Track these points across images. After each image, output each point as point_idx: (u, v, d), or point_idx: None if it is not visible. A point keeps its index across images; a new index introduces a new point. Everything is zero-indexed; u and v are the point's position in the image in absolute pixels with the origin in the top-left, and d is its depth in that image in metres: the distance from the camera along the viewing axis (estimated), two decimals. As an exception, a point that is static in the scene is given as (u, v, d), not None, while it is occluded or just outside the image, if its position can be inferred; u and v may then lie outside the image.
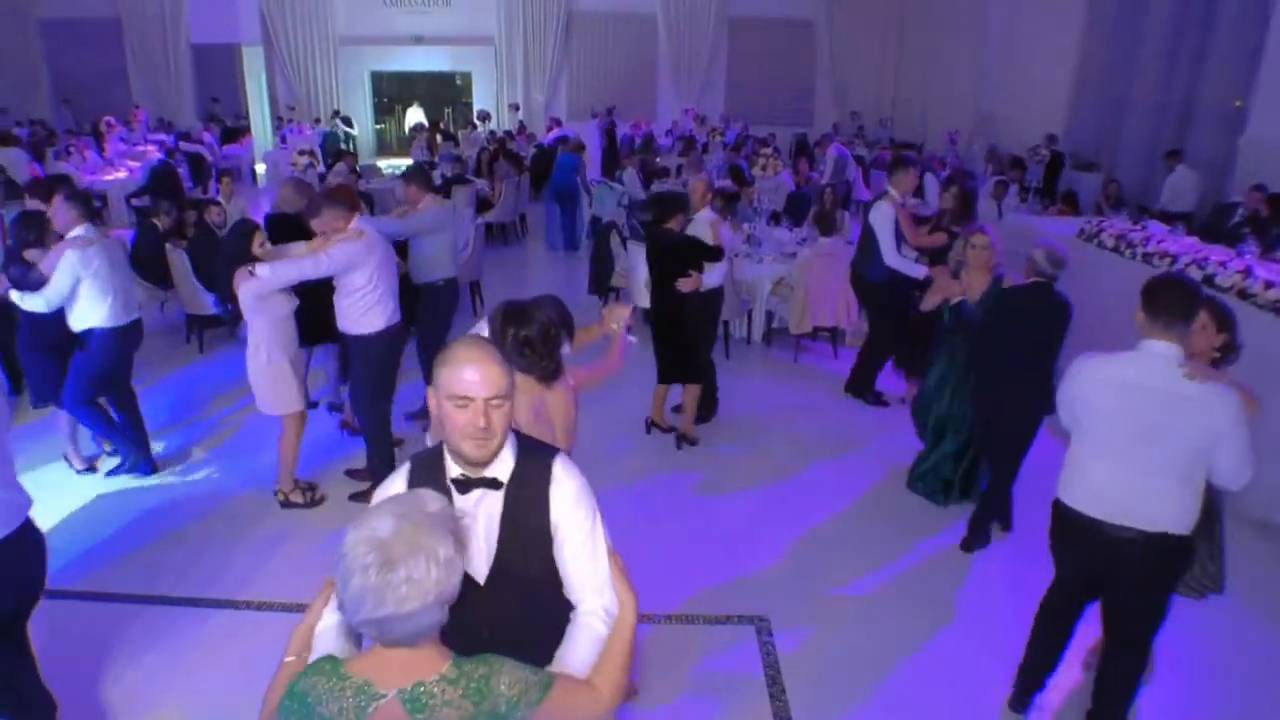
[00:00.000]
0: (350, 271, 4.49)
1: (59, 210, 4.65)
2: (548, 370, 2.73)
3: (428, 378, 2.19)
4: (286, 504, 4.89)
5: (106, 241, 4.82)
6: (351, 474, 5.23)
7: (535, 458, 1.97)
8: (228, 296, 4.49)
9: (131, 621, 3.96)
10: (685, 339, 5.48)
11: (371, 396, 4.89)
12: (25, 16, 18.57)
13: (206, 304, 7.20)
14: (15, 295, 4.59)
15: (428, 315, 5.75)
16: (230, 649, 3.77)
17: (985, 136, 14.80)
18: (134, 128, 16.17)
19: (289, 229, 5.90)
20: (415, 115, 19.49)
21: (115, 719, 3.41)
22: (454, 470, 1.91)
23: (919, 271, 5.60)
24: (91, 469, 5.25)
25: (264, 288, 4.33)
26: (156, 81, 18.69)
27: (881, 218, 5.92)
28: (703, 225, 5.66)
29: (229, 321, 4.54)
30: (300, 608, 4.05)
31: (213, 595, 4.16)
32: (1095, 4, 12.56)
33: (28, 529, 2.72)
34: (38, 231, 4.69)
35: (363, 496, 4.99)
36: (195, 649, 3.80)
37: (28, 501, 2.73)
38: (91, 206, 4.91)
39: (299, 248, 4.75)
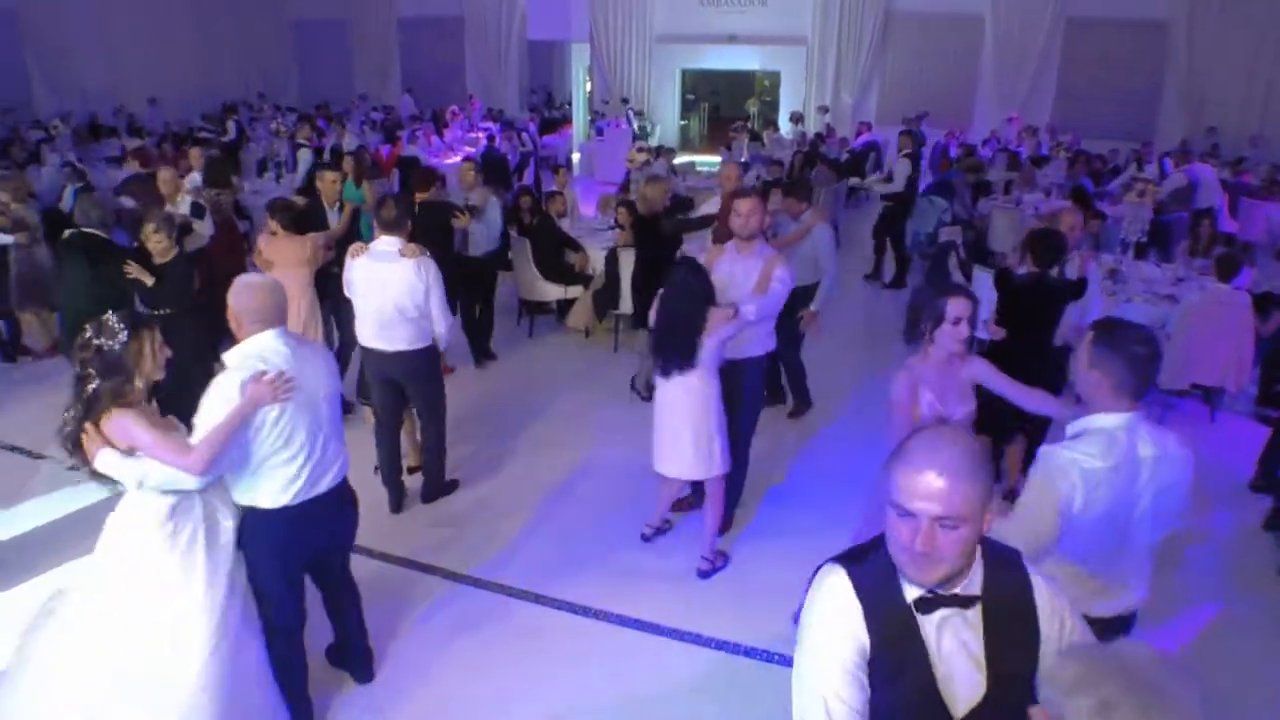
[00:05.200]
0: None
1: None
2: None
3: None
4: (712, 571, 4.38)
5: None
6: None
7: (1006, 561, 1.65)
8: (692, 346, 3.90)
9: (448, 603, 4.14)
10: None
11: (753, 423, 4.68)
12: (387, 16, 20.90)
13: (543, 290, 7.52)
14: None
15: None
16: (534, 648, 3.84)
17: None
18: (469, 116, 17.62)
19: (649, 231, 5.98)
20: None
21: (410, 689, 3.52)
22: (912, 589, 1.57)
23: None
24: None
25: (741, 329, 4.04)
26: (488, 74, 20.27)
27: None
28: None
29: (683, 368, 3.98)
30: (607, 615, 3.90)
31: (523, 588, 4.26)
32: None
33: (346, 484, 3.15)
34: None
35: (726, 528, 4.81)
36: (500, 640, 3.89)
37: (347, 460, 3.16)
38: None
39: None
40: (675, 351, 3.93)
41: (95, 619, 2.73)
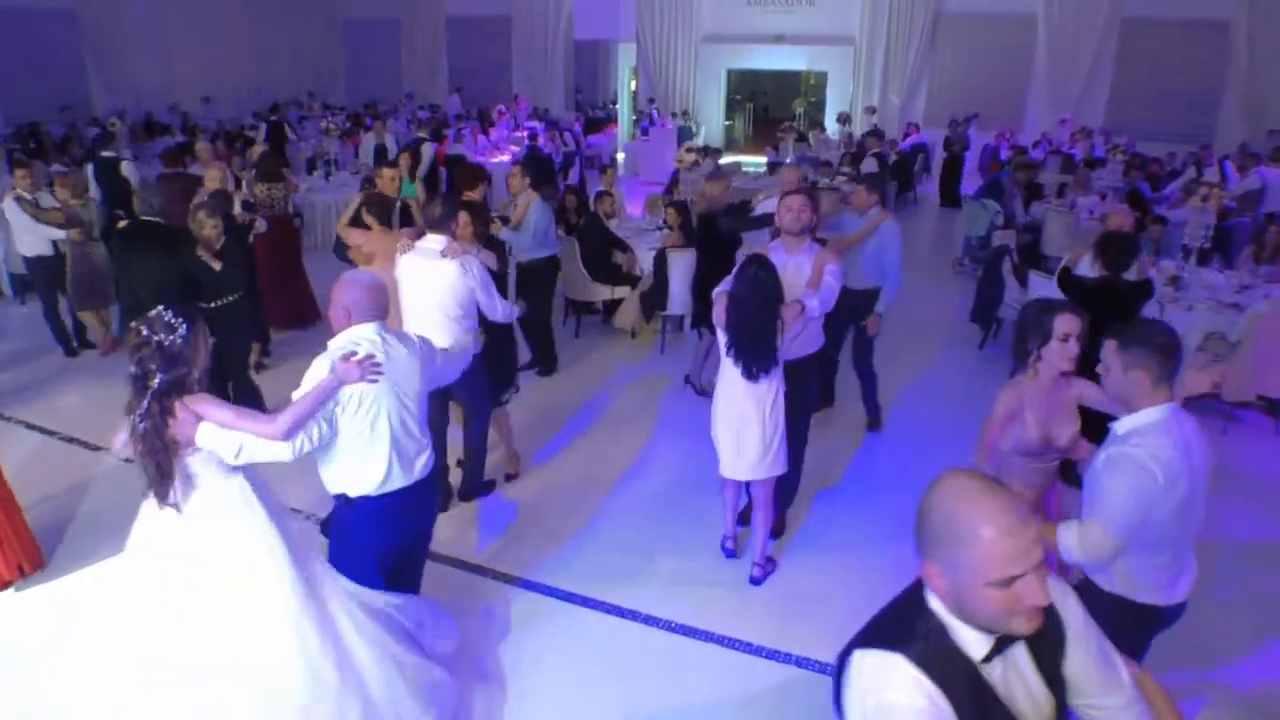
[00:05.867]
0: None
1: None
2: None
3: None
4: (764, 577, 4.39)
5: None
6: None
7: None
8: (773, 348, 3.86)
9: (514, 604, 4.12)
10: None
11: (807, 424, 4.68)
12: (435, 15, 21.09)
13: (590, 291, 7.51)
14: None
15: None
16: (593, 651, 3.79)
17: None
18: (515, 115, 17.70)
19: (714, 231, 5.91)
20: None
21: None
22: (980, 645, 1.51)
23: None
24: None
25: (805, 325, 4.07)
26: (533, 73, 20.34)
27: None
28: None
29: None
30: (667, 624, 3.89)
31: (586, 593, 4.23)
32: None
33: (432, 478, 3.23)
34: None
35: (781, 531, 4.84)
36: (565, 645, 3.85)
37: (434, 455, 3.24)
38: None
39: None
40: (759, 355, 3.81)
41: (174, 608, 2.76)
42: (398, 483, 3.04)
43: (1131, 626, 2.57)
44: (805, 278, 4.18)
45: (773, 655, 3.81)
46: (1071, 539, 2.45)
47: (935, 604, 1.54)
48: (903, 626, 1.55)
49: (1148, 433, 2.40)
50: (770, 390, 3.91)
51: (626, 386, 6.76)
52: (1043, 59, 17.08)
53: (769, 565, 4.39)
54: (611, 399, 6.53)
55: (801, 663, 3.76)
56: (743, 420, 3.95)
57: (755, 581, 4.31)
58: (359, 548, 3.07)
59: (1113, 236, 4.80)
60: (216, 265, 5.21)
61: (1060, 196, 10.88)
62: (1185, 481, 2.38)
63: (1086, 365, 2.94)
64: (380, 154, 11.84)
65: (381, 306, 3.04)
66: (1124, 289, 4.68)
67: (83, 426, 5.93)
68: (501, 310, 4.57)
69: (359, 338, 2.96)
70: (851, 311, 5.51)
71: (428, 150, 10.88)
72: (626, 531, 4.78)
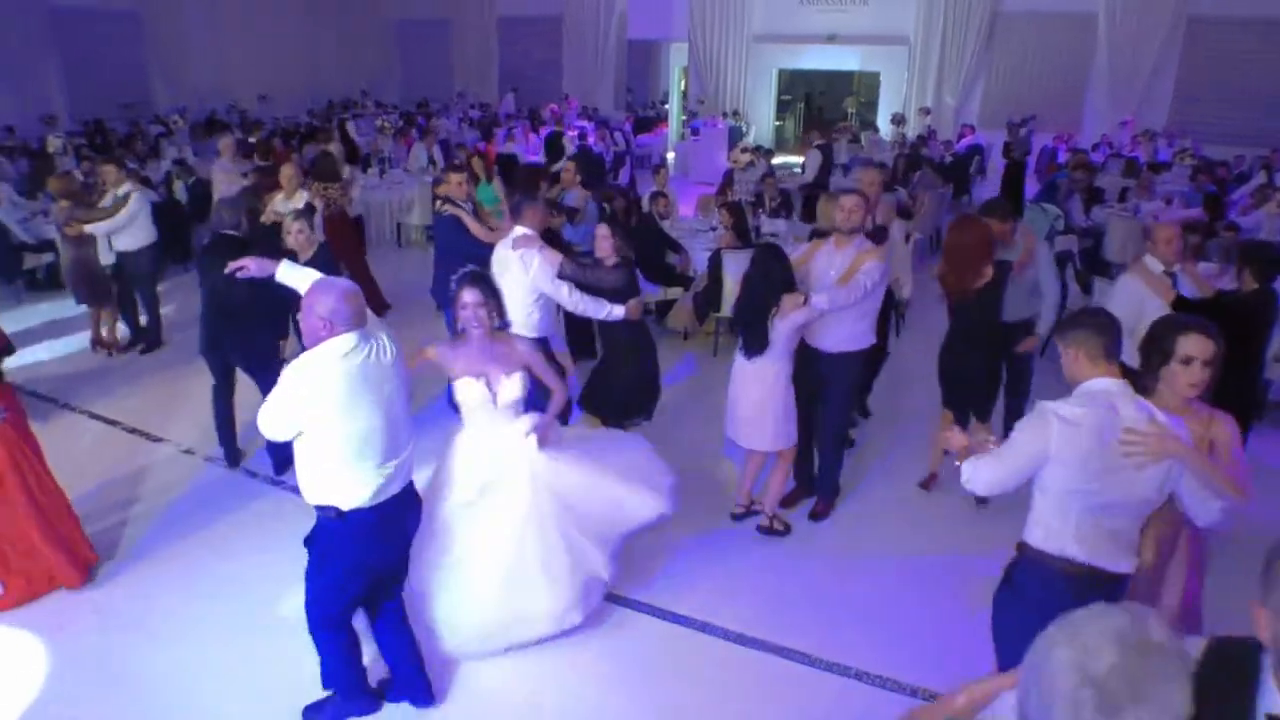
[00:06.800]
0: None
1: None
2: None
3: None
4: (770, 531, 4.69)
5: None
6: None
7: None
8: (762, 330, 4.15)
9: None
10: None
11: (845, 416, 4.80)
12: (487, 15, 21.26)
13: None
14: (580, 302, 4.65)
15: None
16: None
17: None
18: (565, 114, 17.76)
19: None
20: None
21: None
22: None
23: None
24: None
25: (814, 318, 4.19)
26: (584, 72, 20.39)
27: None
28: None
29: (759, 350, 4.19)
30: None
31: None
32: None
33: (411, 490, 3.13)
34: None
35: (823, 515, 4.90)
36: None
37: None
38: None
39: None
40: (751, 335, 4.16)
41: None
42: (390, 491, 2.93)
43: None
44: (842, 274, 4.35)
45: (830, 667, 3.73)
46: (970, 465, 2.65)
47: (1269, 663, 1.40)
48: (1228, 642, 1.48)
49: (1077, 397, 2.52)
50: (766, 372, 4.21)
51: (679, 389, 6.70)
52: (1103, 59, 16.70)
53: (776, 523, 4.66)
54: (663, 401, 6.45)
55: (842, 668, 3.68)
56: (742, 393, 4.36)
57: (760, 531, 4.67)
58: (347, 565, 2.96)
59: (1254, 247, 4.71)
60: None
61: (1122, 201, 10.59)
62: (1096, 453, 2.40)
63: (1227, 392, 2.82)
64: (433, 163, 12.02)
65: (360, 312, 2.82)
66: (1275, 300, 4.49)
67: (145, 418, 6.05)
68: (577, 303, 4.63)
69: (336, 352, 2.73)
70: (1005, 343, 5.01)
71: (569, 145, 11.09)
72: (671, 537, 4.67)
